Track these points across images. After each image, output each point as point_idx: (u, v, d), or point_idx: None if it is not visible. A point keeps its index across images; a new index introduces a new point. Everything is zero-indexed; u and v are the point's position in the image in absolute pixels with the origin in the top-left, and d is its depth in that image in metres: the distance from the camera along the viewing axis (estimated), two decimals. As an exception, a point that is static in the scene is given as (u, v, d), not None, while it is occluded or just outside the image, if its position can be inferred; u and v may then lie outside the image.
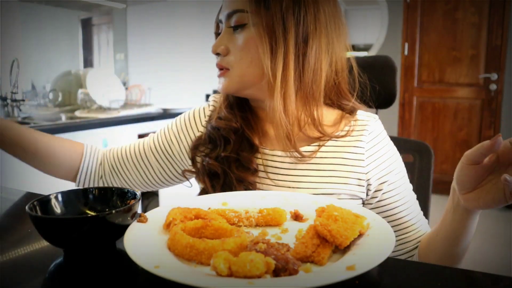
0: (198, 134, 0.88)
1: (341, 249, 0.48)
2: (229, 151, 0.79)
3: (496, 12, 3.49)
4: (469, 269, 0.47)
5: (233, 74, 0.78)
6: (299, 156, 0.78)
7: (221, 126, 0.82)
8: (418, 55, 3.85)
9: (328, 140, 0.80)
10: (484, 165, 0.56)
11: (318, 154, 0.79)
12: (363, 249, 0.46)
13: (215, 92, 3.74)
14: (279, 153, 0.80)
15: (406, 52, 3.88)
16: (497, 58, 3.54)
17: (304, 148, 0.79)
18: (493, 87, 3.56)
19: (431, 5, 3.71)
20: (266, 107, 0.81)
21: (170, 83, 3.96)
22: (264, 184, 0.79)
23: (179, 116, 0.95)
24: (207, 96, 3.79)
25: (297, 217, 0.60)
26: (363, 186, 0.78)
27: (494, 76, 3.55)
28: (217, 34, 0.82)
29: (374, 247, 0.46)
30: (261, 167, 0.80)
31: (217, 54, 0.79)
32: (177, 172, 0.91)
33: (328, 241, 0.47)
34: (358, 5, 4.17)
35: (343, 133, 0.80)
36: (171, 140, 0.90)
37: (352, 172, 0.77)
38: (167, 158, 0.90)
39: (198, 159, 0.84)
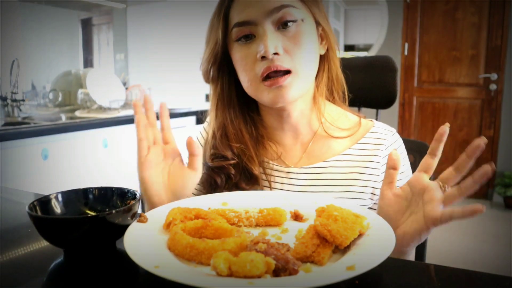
0: None
1: (341, 249, 0.48)
2: (230, 187, 0.76)
3: (496, 12, 3.49)
4: (469, 269, 0.47)
5: (299, 77, 0.70)
6: (315, 172, 0.77)
7: (219, 166, 0.77)
8: (418, 55, 3.85)
9: (342, 154, 0.78)
10: (401, 195, 0.59)
11: (333, 170, 0.77)
12: (363, 249, 0.46)
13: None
14: (295, 169, 0.79)
15: (406, 52, 3.88)
16: (497, 58, 3.54)
17: (319, 164, 0.78)
18: (493, 87, 3.56)
19: (431, 5, 3.71)
20: (290, 112, 0.77)
21: (170, 83, 3.96)
22: None
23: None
24: (207, 96, 3.79)
25: (297, 217, 0.60)
26: (374, 200, 0.78)
27: (494, 76, 3.55)
28: (245, 37, 0.71)
29: (374, 247, 0.46)
30: (277, 185, 0.79)
31: (275, 54, 0.68)
32: None
33: (328, 241, 0.47)
34: (358, 5, 4.17)
35: (359, 145, 0.78)
36: None
37: (367, 187, 0.76)
38: None
39: None
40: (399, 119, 3.98)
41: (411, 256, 0.65)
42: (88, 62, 3.98)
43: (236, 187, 0.77)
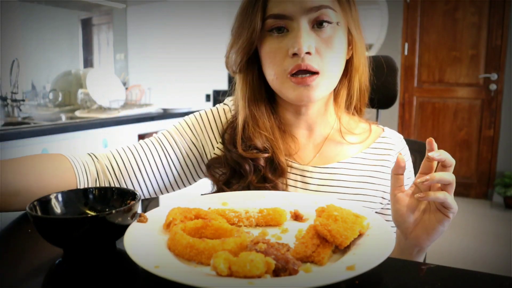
0: (215, 144, 0.83)
1: (341, 249, 0.48)
2: (258, 179, 0.74)
3: (496, 12, 3.49)
4: (469, 269, 0.47)
5: (325, 78, 0.71)
6: (329, 172, 0.77)
7: (251, 157, 0.75)
8: (418, 55, 3.85)
9: (355, 157, 0.79)
10: (412, 194, 0.61)
11: (346, 172, 0.78)
12: (363, 249, 0.46)
13: (216, 92, 3.73)
14: (309, 168, 0.78)
15: (406, 52, 3.88)
16: (497, 58, 3.54)
17: (333, 165, 0.78)
18: (493, 87, 3.56)
19: (431, 5, 3.71)
20: (308, 109, 0.78)
21: (170, 83, 3.96)
22: None
23: (190, 120, 0.85)
24: (207, 96, 3.79)
25: (297, 217, 0.60)
26: (383, 204, 0.79)
27: (494, 76, 3.55)
28: (277, 28, 0.70)
29: (374, 247, 0.46)
30: (291, 182, 0.78)
31: (307, 53, 0.68)
32: (198, 176, 0.85)
33: (328, 241, 0.47)
34: (358, 5, 4.18)
35: (370, 150, 0.80)
36: (188, 147, 0.82)
37: (377, 191, 0.77)
38: (187, 165, 0.83)
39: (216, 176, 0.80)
40: (399, 119, 3.98)
41: (423, 256, 0.67)
42: (88, 62, 3.99)
43: (263, 179, 0.75)
